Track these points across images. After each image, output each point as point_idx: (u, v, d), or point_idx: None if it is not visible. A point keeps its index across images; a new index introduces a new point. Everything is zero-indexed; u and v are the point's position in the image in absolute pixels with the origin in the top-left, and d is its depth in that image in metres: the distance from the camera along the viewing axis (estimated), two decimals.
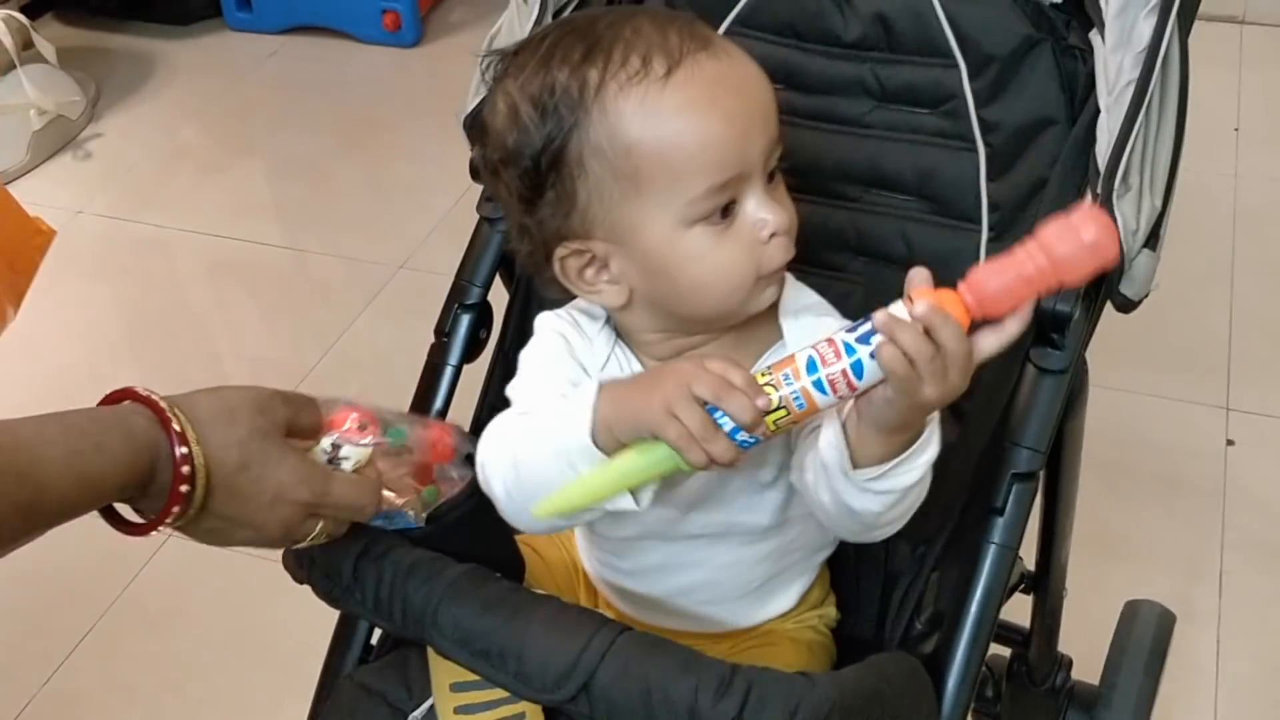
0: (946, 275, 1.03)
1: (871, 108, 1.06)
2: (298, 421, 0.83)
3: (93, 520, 1.38)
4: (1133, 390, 2.07)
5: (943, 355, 0.74)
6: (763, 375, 0.76)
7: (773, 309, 0.93)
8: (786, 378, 0.76)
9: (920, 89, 1.04)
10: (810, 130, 1.08)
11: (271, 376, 2.22)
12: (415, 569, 0.84)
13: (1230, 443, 1.97)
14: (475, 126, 0.97)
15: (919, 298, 0.75)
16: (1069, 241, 0.72)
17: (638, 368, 0.93)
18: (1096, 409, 2.04)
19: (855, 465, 0.81)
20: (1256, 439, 1.98)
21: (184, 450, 0.75)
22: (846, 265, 1.10)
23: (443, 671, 0.97)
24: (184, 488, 0.75)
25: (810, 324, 0.93)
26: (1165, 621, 1.39)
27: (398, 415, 0.90)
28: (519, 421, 0.85)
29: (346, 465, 0.84)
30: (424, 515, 0.87)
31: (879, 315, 0.76)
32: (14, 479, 0.71)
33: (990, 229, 1.03)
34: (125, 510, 0.80)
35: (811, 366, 0.75)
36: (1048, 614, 1.22)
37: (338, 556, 0.86)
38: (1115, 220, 0.89)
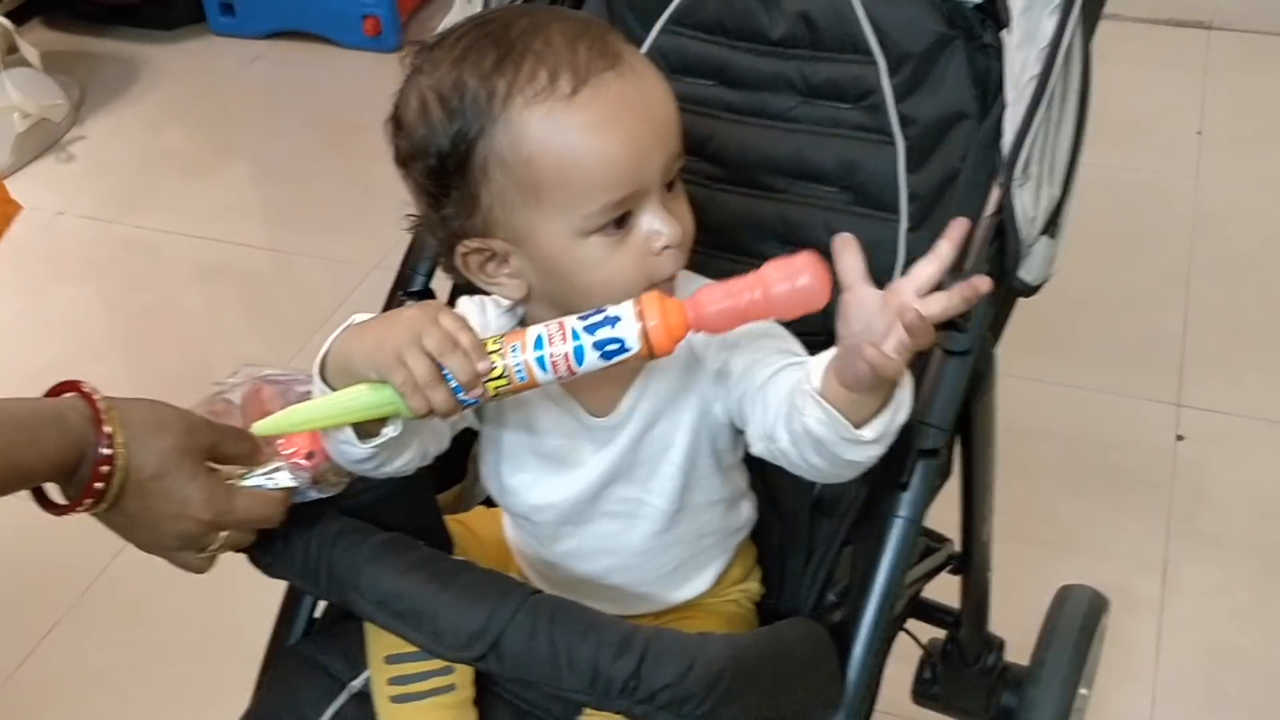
0: (868, 263, 1.09)
1: (797, 103, 1.10)
2: (222, 449, 0.88)
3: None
4: (1086, 387, 2.12)
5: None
6: (493, 342, 0.81)
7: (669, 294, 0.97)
8: (514, 349, 0.80)
9: (842, 85, 1.08)
10: (740, 125, 1.12)
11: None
12: (341, 537, 0.88)
13: (1180, 438, 2.02)
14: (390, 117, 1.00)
15: (648, 304, 0.80)
16: (785, 283, 0.78)
17: None
18: (1050, 406, 2.10)
19: (858, 426, 0.83)
20: (1206, 435, 2.02)
21: (107, 450, 0.82)
22: (773, 254, 1.11)
23: (379, 644, 1.02)
24: (99, 484, 0.82)
25: None
26: (1096, 604, 1.43)
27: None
28: None
29: (272, 485, 0.89)
30: (344, 479, 0.90)
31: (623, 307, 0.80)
32: None
33: (909, 219, 1.08)
34: (53, 490, 0.85)
35: (538, 344, 0.80)
36: (975, 594, 1.26)
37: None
38: (1014, 207, 0.93)
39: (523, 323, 0.97)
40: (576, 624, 0.81)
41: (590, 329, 0.80)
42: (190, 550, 0.88)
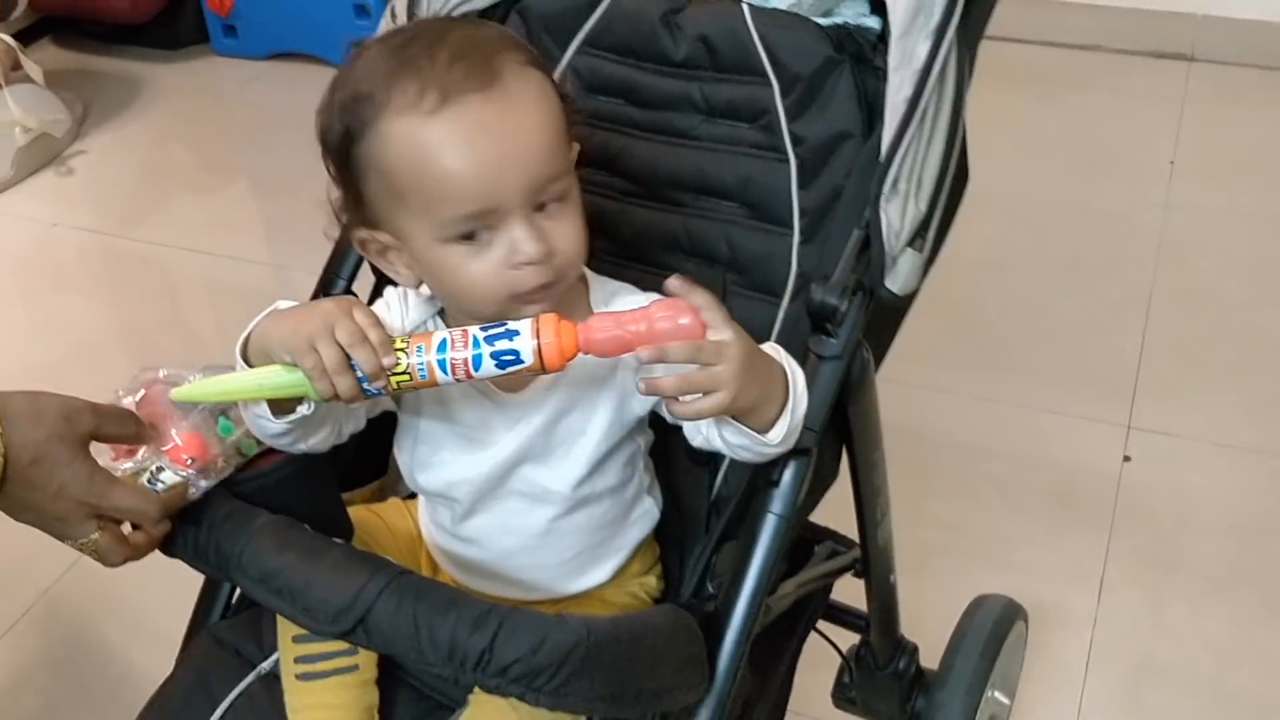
0: (763, 273, 1.15)
1: (700, 121, 1.16)
2: (106, 431, 0.94)
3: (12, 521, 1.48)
4: (1037, 408, 2.16)
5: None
6: (402, 341, 0.88)
7: (584, 299, 1.03)
8: (419, 349, 0.87)
9: (740, 105, 1.13)
10: (647, 142, 1.18)
11: None
12: (229, 519, 0.93)
13: (1127, 459, 2.05)
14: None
15: (544, 323, 0.87)
16: (668, 321, 0.86)
17: None
18: (1000, 425, 2.14)
19: (764, 433, 0.92)
20: (1153, 456, 2.06)
21: None
22: (679, 266, 1.18)
23: (287, 625, 1.07)
24: None
25: (620, 305, 1.03)
26: (1009, 612, 1.47)
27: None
28: None
29: (160, 486, 0.94)
30: (231, 464, 0.96)
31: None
32: None
33: (800, 233, 1.12)
34: None
35: (441, 347, 0.87)
36: (878, 597, 1.30)
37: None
38: (880, 220, 0.99)
39: (441, 312, 1.04)
40: (438, 601, 0.86)
41: (490, 339, 0.87)
42: (70, 537, 0.93)
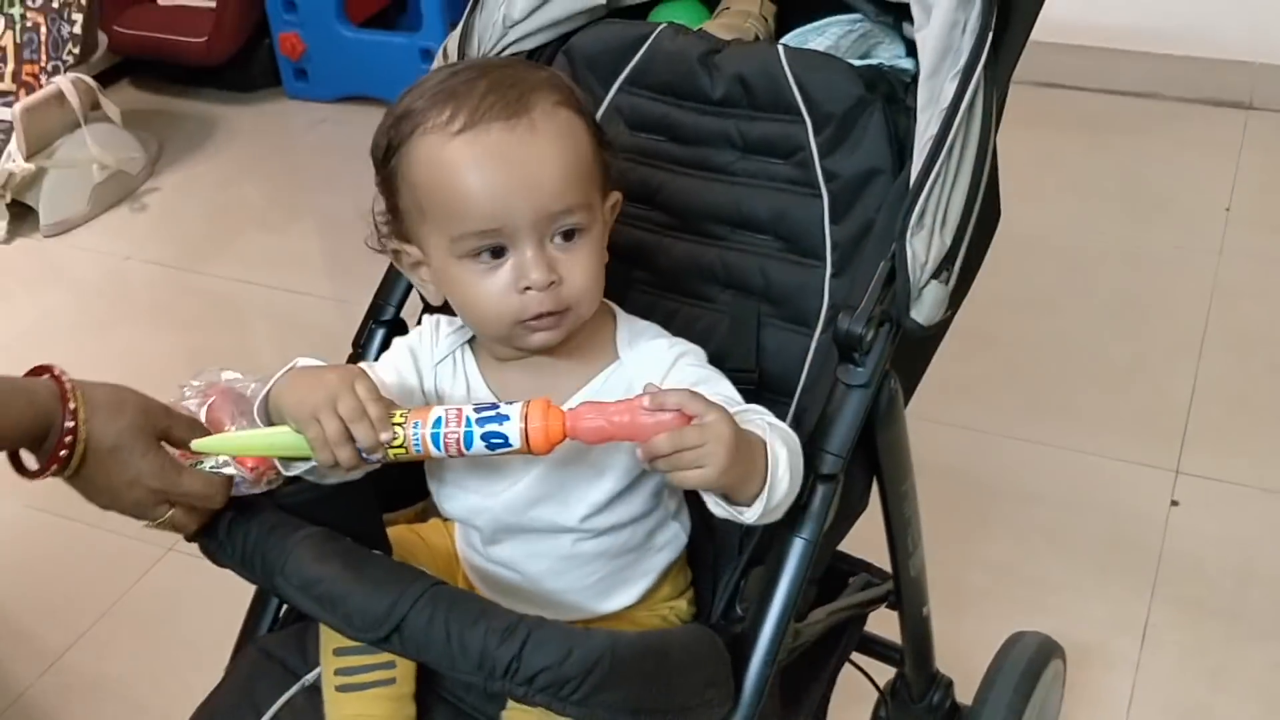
0: (796, 305, 1.18)
1: (736, 158, 1.20)
2: (175, 432, 1.01)
3: (100, 530, 1.51)
4: (1086, 451, 2.16)
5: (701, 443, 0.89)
6: (400, 415, 0.93)
7: (610, 337, 1.07)
8: (415, 425, 0.92)
9: (775, 141, 1.17)
10: (686, 177, 1.22)
11: None
12: (275, 529, 0.98)
13: (1175, 503, 2.04)
14: None
15: (533, 409, 0.91)
16: (649, 415, 0.90)
17: (473, 370, 1.07)
18: (1048, 468, 2.15)
19: (743, 508, 0.95)
20: (1201, 501, 2.05)
21: (70, 424, 0.95)
22: (716, 297, 1.22)
23: (329, 637, 1.11)
24: (63, 452, 0.94)
25: (644, 348, 1.07)
26: (1045, 649, 1.47)
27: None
28: None
29: (227, 470, 1.00)
30: (285, 473, 1.01)
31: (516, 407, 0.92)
32: None
33: (832, 266, 1.16)
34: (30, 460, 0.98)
35: (436, 424, 0.92)
36: (911, 628, 1.31)
37: (215, 519, 1.00)
38: (906, 252, 1.01)
39: (470, 342, 1.08)
40: (470, 611, 0.89)
41: (481, 421, 0.92)
42: (143, 518, 0.99)
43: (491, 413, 0.91)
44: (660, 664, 0.92)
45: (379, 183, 1.05)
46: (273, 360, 2.92)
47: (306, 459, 0.96)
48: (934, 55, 1.07)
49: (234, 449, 0.98)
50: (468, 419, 0.92)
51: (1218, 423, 2.20)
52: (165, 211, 3.16)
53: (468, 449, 0.92)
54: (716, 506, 0.96)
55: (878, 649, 1.42)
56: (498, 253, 0.98)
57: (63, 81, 2.96)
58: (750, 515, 0.95)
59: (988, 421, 2.21)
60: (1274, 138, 3.07)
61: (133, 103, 3.49)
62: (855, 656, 1.39)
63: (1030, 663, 1.44)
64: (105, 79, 3.30)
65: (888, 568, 1.29)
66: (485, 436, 0.91)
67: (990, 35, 1.06)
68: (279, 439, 0.95)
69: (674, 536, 1.14)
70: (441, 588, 0.91)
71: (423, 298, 1.21)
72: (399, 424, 0.92)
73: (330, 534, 0.97)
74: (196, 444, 0.98)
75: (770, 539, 1.08)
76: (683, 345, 1.06)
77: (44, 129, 2.96)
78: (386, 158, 1.01)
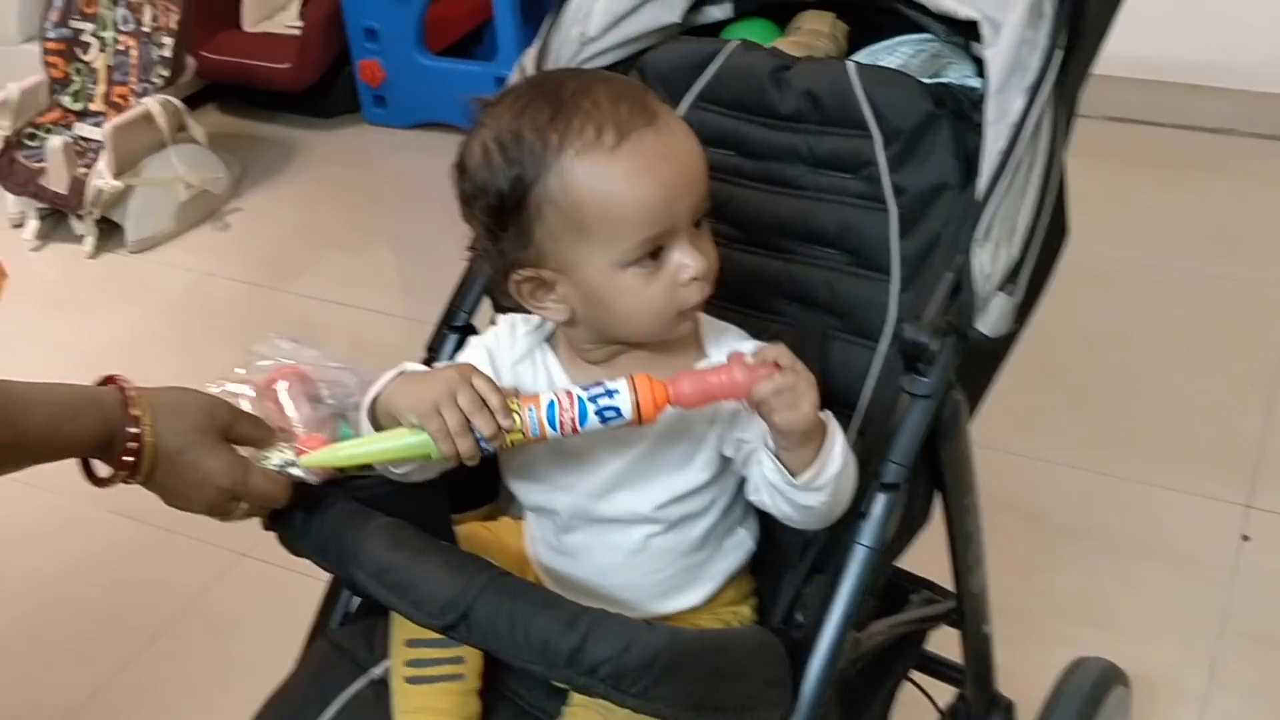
0: (862, 318, 1.19)
1: (805, 172, 1.21)
2: (238, 430, 1.04)
3: (177, 535, 1.53)
4: (1155, 484, 2.13)
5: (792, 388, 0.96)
6: (513, 403, 0.97)
7: (692, 334, 1.10)
8: (530, 410, 0.97)
9: (843, 156, 1.19)
10: (754, 191, 1.24)
11: None
12: (349, 518, 1.01)
13: (1246, 538, 2.01)
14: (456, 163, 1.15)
15: (640, 382, 0.97)
16: (745, 371, 0.97)
17: (556, 369, 1.09)
18: (1115, 499, 2.13)
19: (794, 475, 1.01)
20: (1273, 537, 2.01)
21: (135, 430, 0.98)
22: (782, 310, 1.24)
23: (401, 629, 1.13)
24: (129, 458, 0.98)
25: (729, 347, 1.07)
26: (1108, 675, 1.46)
27: (340, 390, 1.08)
28: None
29: (293, 471, 1.03)
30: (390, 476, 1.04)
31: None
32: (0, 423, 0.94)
33: (900, 280, 1.17)
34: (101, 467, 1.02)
35: (551, 407, 0.97)
36: (972, 646, 1.31)
37: (293, 509, 1.03)
38: (972, 264, 1.03)
39: (549, 340, 1.12)
40: (535, 601, 0.92)
41: (594, 398, 0.97)
42: (217, 516, 1.02)
43: (600, 389, 0.97)
44: (720, 661, 0.94)
45: (491, 220, 1.03)
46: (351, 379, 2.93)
47: (415, 460, 0.99)
48: (1003, 71, 1.08)
49: (346, 458, 1.01)
50: (579, 399, 0.97)
51: None
52: (247, 231, 3.24)
53: (582, 425, 0.97)
54: (777, 473, 1.01)
55: (939, 668, 1.42)
56: (655, 254, 1.01)
57: (151, 103, 3.05)
58: (803, 480, 1.00)
59: (1055, 452, 2.20)
60: None
61: (218, 126, 3.59)
62: (916, 676, 1.39)
63: (1093, 688, 1.43)
64: (192, 102, 3.40)
65: (949, 587, 1.30)
66: (599, 411, 0.96)
67: (1060, 53, 1.08)
68: (394, 442, 0.98)
69: (740, 542, 1.16)
70: (508, 577, 0.94)
71: (495, 301, 1.25)
72: (515, 409, 0.96)
73: (402, 524, 1.00)
74: (304, 460, 1.01)
75: (832, 548, 1.09)
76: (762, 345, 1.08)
77: (132, 148, 3.05)
78: (515, 191, 1.00)
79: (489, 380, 0.97)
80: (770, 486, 1.04)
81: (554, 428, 0.97)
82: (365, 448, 1.00)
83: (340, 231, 3.31)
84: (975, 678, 1.37)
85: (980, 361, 1.14)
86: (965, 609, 1.26)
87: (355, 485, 1.04)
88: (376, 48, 3.57)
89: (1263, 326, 2.51)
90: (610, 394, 0.97)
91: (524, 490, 1.14)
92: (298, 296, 2.95)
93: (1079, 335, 2.50)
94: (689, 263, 1.01)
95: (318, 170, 3.53)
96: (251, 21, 3.71)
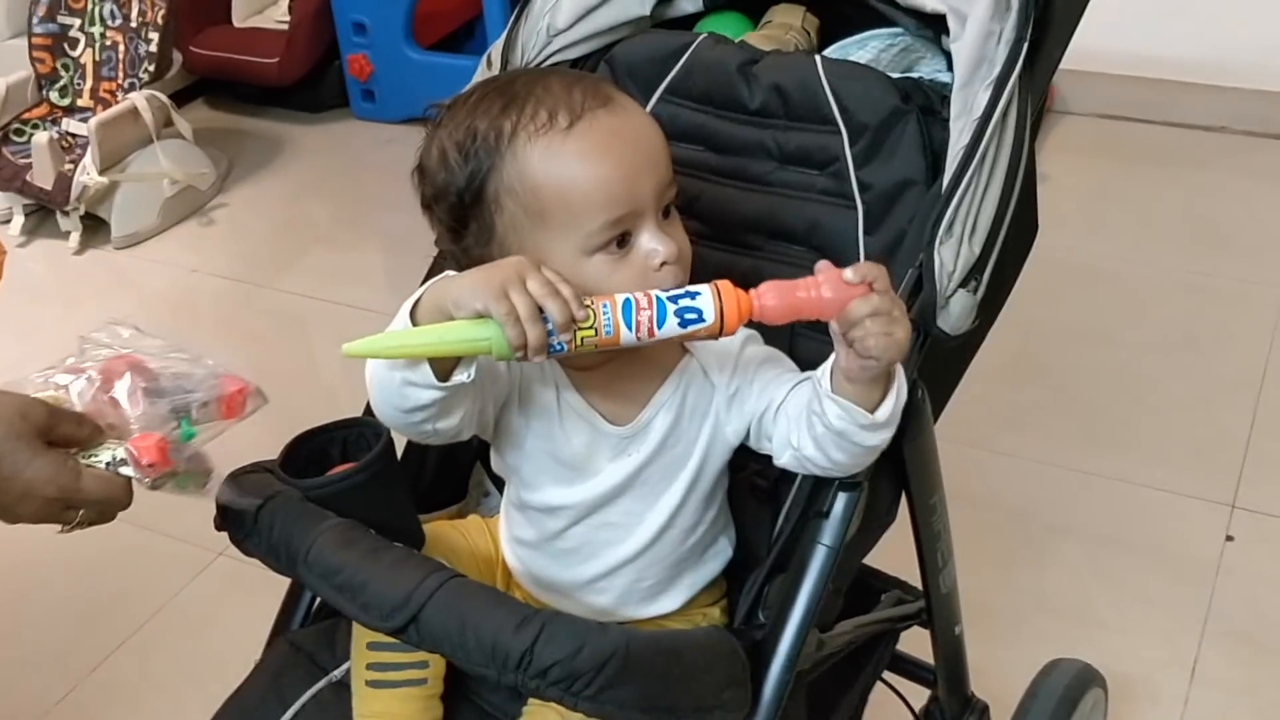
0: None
1: (773, 168, 1.20)
2: (60, 430, 0.95)
3: (151, 533, 1.49)
4: (1138, 482, 2.12)
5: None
6: (586, 300, 0.91)
7: None
8: (605, 307, 0.90)
9: (811, 152, 1.17)
10: (722, 187, 1.22)
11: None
12: (301, 518, 0.99)
13: (1230, 538, 2.00)
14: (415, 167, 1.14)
15: (724, 287, 0.91)
16: (834, 285, 0.91)
17: (562, 377, 1.06)
18: (1097, 497, 2.11)
19: (874, 407, 0.96)
20: (1256, 536, 2.00)
21: None
22: None
23: (361, 632, 1.11)
24: None
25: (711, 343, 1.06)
26: (1083, 677, 1.44)
27: (185, 383, 1.03)
28: None
29: (124, 471, 0.96)
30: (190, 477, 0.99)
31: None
32: None
33: None
34: None
35: (626, 304, 0.90)
36: (944, 647, 1.30)
37: (243, 507, 1.01)
38: (934, 261, 1.01)
39: None
40: (485, 602, 0.90)
41: (674, 299, 0.91)
42: (56, 524, 0.95)
43: (681, 291, 0.91)
44: (674, 663, 0.92)
45: (452, 217, 1.02)
46: (336, 375, 2.96)
47: (471, 356, 0.91)
48: (968, 65, 1.07)
49: (397, 347, 0.90)
50: (659, 299, 0.90)
51: (1276, 458, 2.15)
52: (233, 227, 3.23)
53: (660, 328, 0.90)
54: (844, 417, 0.95)
55: (912, 669, 1.40)
56: (622, 241, 0.99)
57: (137, 98, 3.03)
58: (882, 415, 0.96)
59: (1039, 450, 2.19)
60: None
61: (205, 121, 3.57)
62: (890, 677, 1.37)
63: (1067, 689, 1.41)
64: (180, 98, 3.38)
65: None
66: (679, 313, 0.90)
67: (1025, 46, 1.06)
68: (452, 332, 0.89)
69: (722, 550, 1.15)
70: (459, 579, 0.92)
71: None
72: (587, 304, 0.90)
73: (355, 525, 0.98)
74: (348, 348, 0.89)
75: (793, 547, 1.08)
76: (748, 331, 1.06)
77: (118, 144, 3.03)
78: (471, 184, 0.99)
79: (556, 271, 0.91)
80: (828, 434, 0.98)
81: (629, 328, 0.90)
82: (419, 337, 0.90)
83: (327, 227, 3.29)
84: (948, 679, 1.35)
85: (945, 359, 1.12)
86: (934, 609, 1.25)
87: (310, 483, 1.02)
88: (365, 42, 3.55)
89: (1250, 325, 2.49)
90: (692, 295, 0.90)
91: (528, 493, 1.10)
92: (284, 293, 2.94)
93: (1064, 332, 2.48)
94: (658, 247, 0.99)
95: (305, 165, 3.51)
96: (240, 16, 3.69)
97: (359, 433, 1.13)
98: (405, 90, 3.57)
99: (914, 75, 1.19)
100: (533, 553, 1.13)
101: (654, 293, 0.91)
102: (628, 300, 0.91)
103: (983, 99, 1.05)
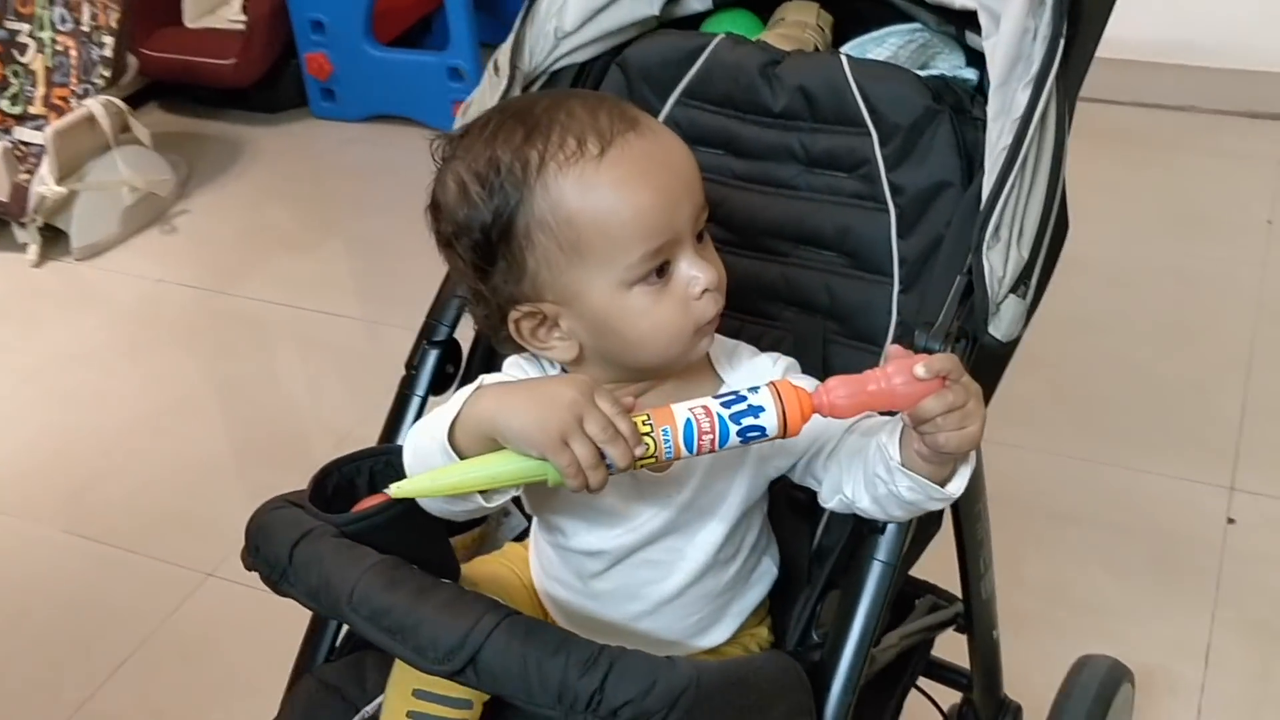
0: (863, 322, 1.15)
1: (799, 171, 1.17)
2: None
3: (139, 555, 1.43)
4: (1137, 469, 2.12)
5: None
6: (643, 423, 0.87)
7: (705, 359, 1.03)
8: (665, 432, 0.87)
9: (839, 155, 1.14)
10: (747, 192, 1.19)
11: (330, 432, 2.35)
12: (340, 556, 0.94)
13: (1231, 521, 2.00)
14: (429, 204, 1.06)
15: (786, 392, 0.87)
16: (905, 378, 0.86)
17: None
18: (1096, 485, 2.11)
19: (942, 484, 0.92)
20: (1258, 519, 2.00)
21: None
22: (779, 314, 1.20)
23: (406, 676, 1.06)
24: None
25: (746, 367, 1.04)
26: (1115, 673, 1.43)
27: None
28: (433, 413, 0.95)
29: None
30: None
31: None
32: None
33: (900, 281, 1.13)
34: None
35: (689, 429, 0.87)
36: (981, 651, 1.28)
37: (277, 546, 0.96)
38: (984, 267, 0.98)
39: None
40: (549, 641, 0.86)
41: (735, 417, 0.87)
42: None
43: (742, 405, 0.87)
44: (743, 694, 0.89)
45: (479, 257, 0.96)
46: (302, 383, 2.91)
47: (516, 486, 0.89)
48: (1005, 63, 1.04)
49: (449, 486, 0.88)
50: (720, 417, 0.87)
51: (1271, 439, 2.16)
52: (196, 234, 3.15)
53: (722, 446, 0.87)
54: (917, 489, 0.92)
55: (940, 672, 1.38)
56: (661, 270, 0.94)
57: (93, 104, 2.95)
58: (955, 489, 0.93)
59: (1036, 440, 2.18)
60: None
61: (161, 125, 3.49)
62: (919, 681, 1.35)
63: (1102, 687, 1.40)
64: (133, 102, 3.29)
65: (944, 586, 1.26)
66: (742, 432, 0.87)
67: (1061, 42, 1.04)
68: (505, 468, 0.87)
69: (766, 570, 1.12)
70: (515, 617, 0.88)
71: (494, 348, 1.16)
72: (647, 434, 0.87)
73: (398, 562, 0.93)
74: (395, 488, 0.88)
75: (846, 563, 1.05)
76: (784, 360, 1.04)
77: (75, 152, 2.95)
78: (498, 221, 0.93)
79: (613, 398, 0.87)
80: (894, 498, 0.94)
81: (690, 449, 0.87)
82: (471, 475, 0.88)
83: (291, 231, 3.23)
84: (984, 682, 1.33)
85: (987, 366, 1.09)
86: (975, 615, 1.23)
87: (344, 518, 0.98)
88: (323, 40, 3.48)
89: (1234, 305, 2.51)
90: (755, 411, 0.86)
91: (567, 539, 1.05)
92: (250, 300, 2.87)
93: (1051, 320, 2.45)
94: (698, 274, 0.95)
95: (266, 168, 3.44)
96: (192, 17, 3.60)
97: (386, 461, 1.09)
98: (366, 88, 3.51)
99: (934, 72, 1.17)
100: (571, 593, 1.09)
101: (714, 410, 0.87)
102: (689, 423, 0.87)
103: (1022, 98, 1.02)
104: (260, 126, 3.59)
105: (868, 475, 0.96)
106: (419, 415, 1.21)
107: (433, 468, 0.90)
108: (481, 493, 0.89)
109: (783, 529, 1.15)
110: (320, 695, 1.13)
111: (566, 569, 1.07)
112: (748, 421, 0.87)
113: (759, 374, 1.02)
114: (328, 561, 0.94)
